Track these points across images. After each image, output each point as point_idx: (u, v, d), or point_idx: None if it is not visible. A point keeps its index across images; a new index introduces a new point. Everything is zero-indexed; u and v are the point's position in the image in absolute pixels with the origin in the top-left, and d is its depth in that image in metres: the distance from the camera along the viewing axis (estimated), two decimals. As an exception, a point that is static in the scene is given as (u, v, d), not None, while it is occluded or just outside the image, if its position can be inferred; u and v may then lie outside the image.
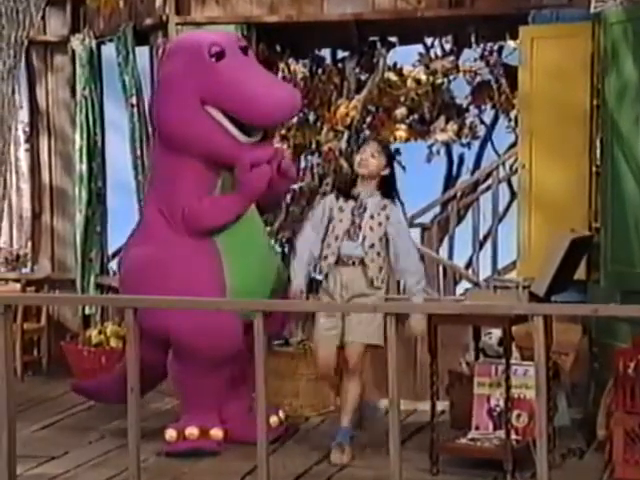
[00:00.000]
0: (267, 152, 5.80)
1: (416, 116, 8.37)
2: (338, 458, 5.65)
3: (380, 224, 5.71)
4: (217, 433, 5.87)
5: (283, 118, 5.98)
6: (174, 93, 5.80)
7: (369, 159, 5.72)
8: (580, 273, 6.04)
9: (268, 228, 7.61)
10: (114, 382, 5.99)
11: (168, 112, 5.84)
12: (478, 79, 8.16)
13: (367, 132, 8.12)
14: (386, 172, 5.76)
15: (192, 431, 5.84)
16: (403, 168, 8.60)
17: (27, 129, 8.62)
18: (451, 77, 8.21)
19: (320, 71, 8.17)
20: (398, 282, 7.38)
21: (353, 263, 5.70)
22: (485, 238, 8.28)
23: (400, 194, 5.95)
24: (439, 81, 8.15)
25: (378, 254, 5.71)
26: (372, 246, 5.70)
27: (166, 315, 5.48)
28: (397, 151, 8.55)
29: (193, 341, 5.67)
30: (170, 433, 5.85)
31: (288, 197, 8.09)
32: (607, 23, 6.13)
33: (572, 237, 5.55)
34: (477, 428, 5.69)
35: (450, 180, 9.74)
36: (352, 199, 5.75)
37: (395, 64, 8.23)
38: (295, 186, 8.16)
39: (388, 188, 5.80)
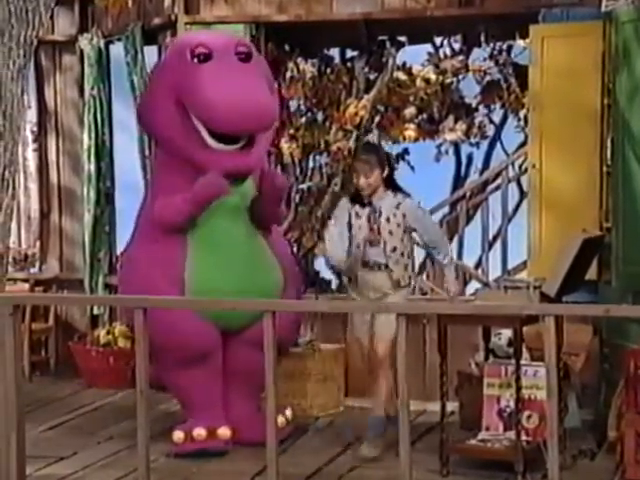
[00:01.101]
0: (239, 163, 5.73)
1: (425, 116, 8.34)
2: (370, 451, 5.64)
3: (399, 225, 5.74)
4: (225, 432, 5.86)
5: (247, 130, 5.70)
6: (154, 88, 5.92)
7: (365, 181, 5.73)
8: (591, 273, 6.01)
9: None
10: None
11: (147, 106, 5.98)
12: (487, 78, 8.13)
13: (376, 131, 8.10)
14: (385, 173, 5.78)
15: (200, 432, 5.83)
16: (412, 168, 8.58)
17: (35, 129, 8.62)
18: (460, 76, 8.18)
19: (329, 70, 8.15)
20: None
21: (379, 267, 5.76)
22: (494, 238, 8.26)
23: (405, 190, 5.93)
24: (448, 80, 8.12)
25: (402, 254, 5.76)
26: (394, 250, 5.74)
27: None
28: (406, 151, 8.54)
29: (153, 340, 5.63)
30: (178, 435, 5.84)
31: (297, 197, 8.09)
32: (618, 22, 6.11)
33: (584, 237, 5.52)
34: (487, 429, 5.66)
35: (459, 180, 9.72)
36: (367, 205, 5.79)
37: (404, 63, 8.21)
38: (304, 185, 8.14)
39: (393, 183, 5.85)
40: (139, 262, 5.91)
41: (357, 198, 5.85)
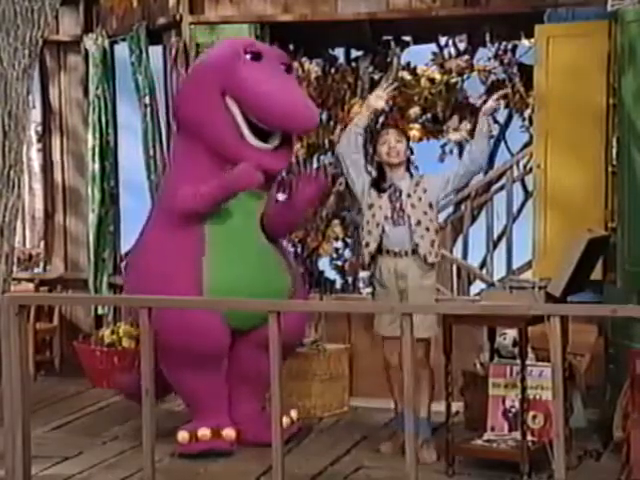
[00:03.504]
0: (271, 162, 5.77)
1: (429, 115, 8.34)
2: (429, 456, 5.60)
3: (420, 199, 5.72)
4: (229, 433, 5.85)
5: (294, 126, 5.82)
6: (197, 79, 5.94)
7: (397, 145, 5.76)
8: (596, 273, 6.00)
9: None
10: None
11: (188, 93, 5.98)
12: (492, 78, 8.13)
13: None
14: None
15: (204, 432, 5.82)
16: (416, 168, 8.56)
17: (39, 129, 8.63)
18: (465, 76, 8.17)
19: (334, 70, 8.14)
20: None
21: (406, 253, 5.69)
22: (499, 238, 8.25)
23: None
24: (453, 80, 8.12)
25: (427, 229, 5.70)
26: (418, 223, 5.68)
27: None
28: (410, 150, 8.53)
29: (168, 338, 5.63)
30: (182, 435, 5.83)
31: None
32: (624, 21, 6.09)
33: (589, 237, 5.51)
34: (492, 429, 5.66)
35: (463, 180, 9.70)
36: (388, 188, 5.77)
37: (409, 63, 8.20)
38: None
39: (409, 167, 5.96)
40: (151, 253, 5.88)
41: (377, 183, 5.81)
